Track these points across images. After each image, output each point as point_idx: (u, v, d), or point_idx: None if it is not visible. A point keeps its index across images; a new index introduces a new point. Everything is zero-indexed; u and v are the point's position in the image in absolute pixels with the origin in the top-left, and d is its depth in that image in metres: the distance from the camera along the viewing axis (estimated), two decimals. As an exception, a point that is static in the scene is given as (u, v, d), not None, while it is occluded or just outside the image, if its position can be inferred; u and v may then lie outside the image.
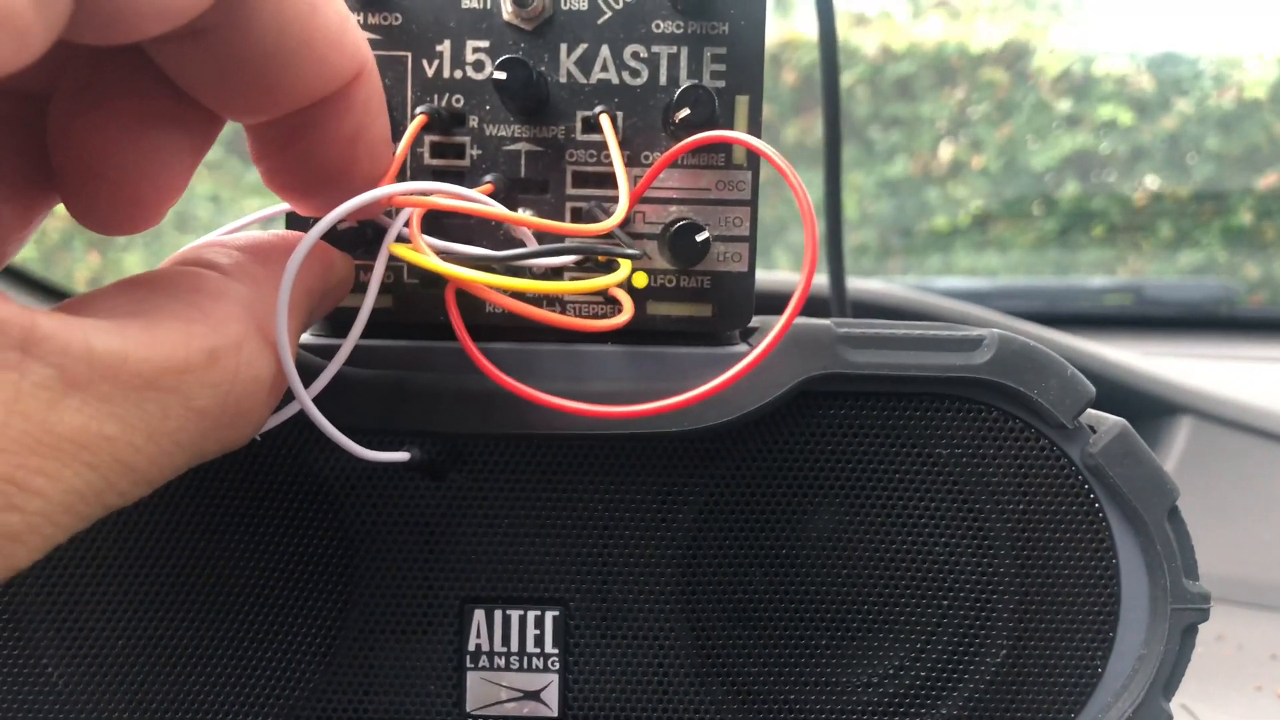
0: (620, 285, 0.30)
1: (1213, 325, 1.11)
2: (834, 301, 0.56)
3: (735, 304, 0.33)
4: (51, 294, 0.89)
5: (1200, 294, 1.13)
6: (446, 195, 0.29)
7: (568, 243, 0.31)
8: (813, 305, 0.62)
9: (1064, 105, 2.64)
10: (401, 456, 0.31)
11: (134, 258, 2.46)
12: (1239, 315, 1.11)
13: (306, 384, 0.27)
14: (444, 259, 0.28)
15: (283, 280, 0.24)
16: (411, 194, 0.28)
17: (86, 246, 2.36)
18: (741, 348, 0.33)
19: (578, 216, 0.33)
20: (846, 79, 2.75)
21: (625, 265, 0.29)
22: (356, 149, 0.26)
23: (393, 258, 0.28)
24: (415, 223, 0.28)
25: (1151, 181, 2.56)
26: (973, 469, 0.33)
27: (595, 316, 0.33)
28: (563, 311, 0.33)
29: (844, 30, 2.86)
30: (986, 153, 2.67)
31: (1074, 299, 1.14)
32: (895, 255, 2.35)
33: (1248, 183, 2.52)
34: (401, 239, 0.29)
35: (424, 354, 0.33)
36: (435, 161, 0.33)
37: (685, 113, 0.31)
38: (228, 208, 2.49)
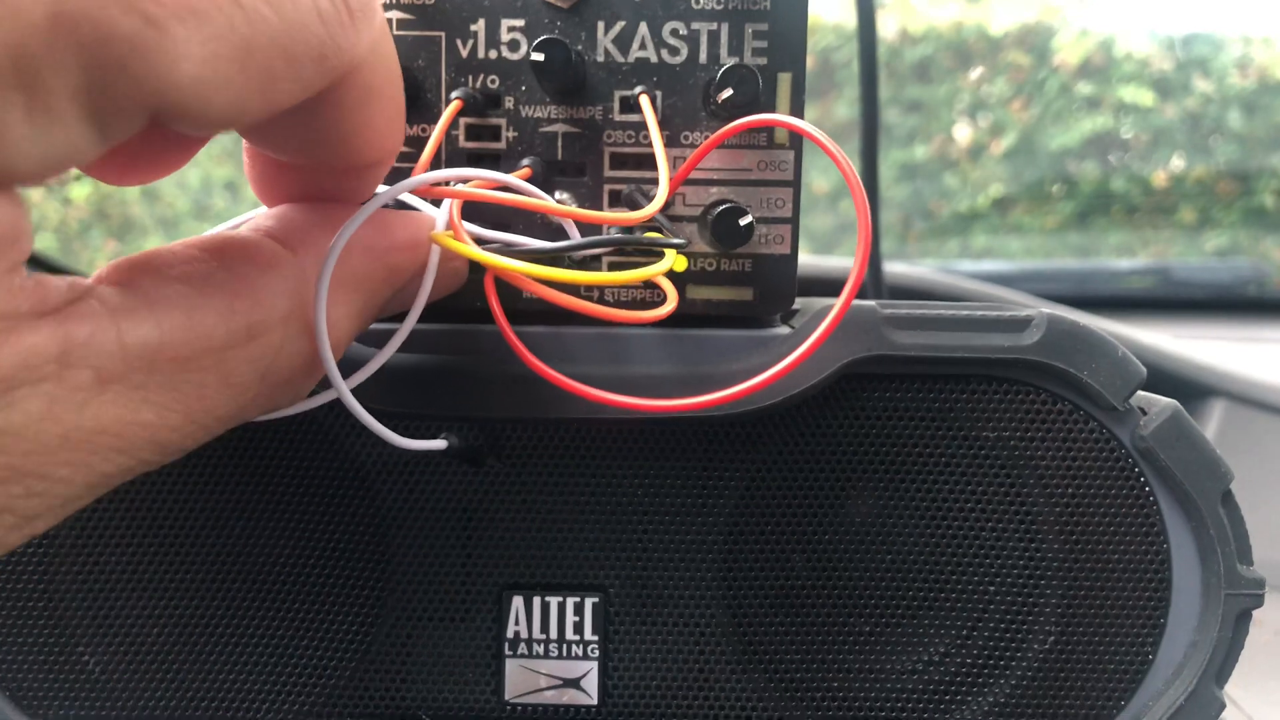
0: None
1: (1241, 307, 1.10)
2: (870, 285, 0.55)
3: (777, 287, 0.33)
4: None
5: (1228, 275, 1.12)
6: (488, 185, 0.28)
7: (611, 232, 0.31)
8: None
9: (1084, 87, 2.62)
10: (439, 445, 0.30)
11: (151, 244, 2.47)
12: (1268, 296, 1.09)
13: (347, 371, 0.26)
14: (485, 248, 0.27)
15: (325, 261, 0.24)
16: (455, 182, 0.28)
17: (104, 235, 2.37)
18: (782, 329, 0.33)
19: (616, 200, 0.33)
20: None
21: (669, 254, 0.29)
22: (362, 188, 0.26)
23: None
24: (455, 211, 0.27)
25: (1173, 163, 2.53)
26: (1020, 452, 0.32)
27: (634, 303, 0.33)
28: (600, 298, 0.33)
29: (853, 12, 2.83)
30: (1006, 135, 2.65)
31: (1101, 282, 1.13)
32: (916, 239, 2.33)
33: (1270, 163, 2.49)
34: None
35: (461, 338, 0.32)
36: (470, 144, 0.32)
37: (729, 93, 0.30)
38: (244, 194, 2.50)
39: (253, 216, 0.32)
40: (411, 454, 0.32)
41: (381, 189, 0.28)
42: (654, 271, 0.28)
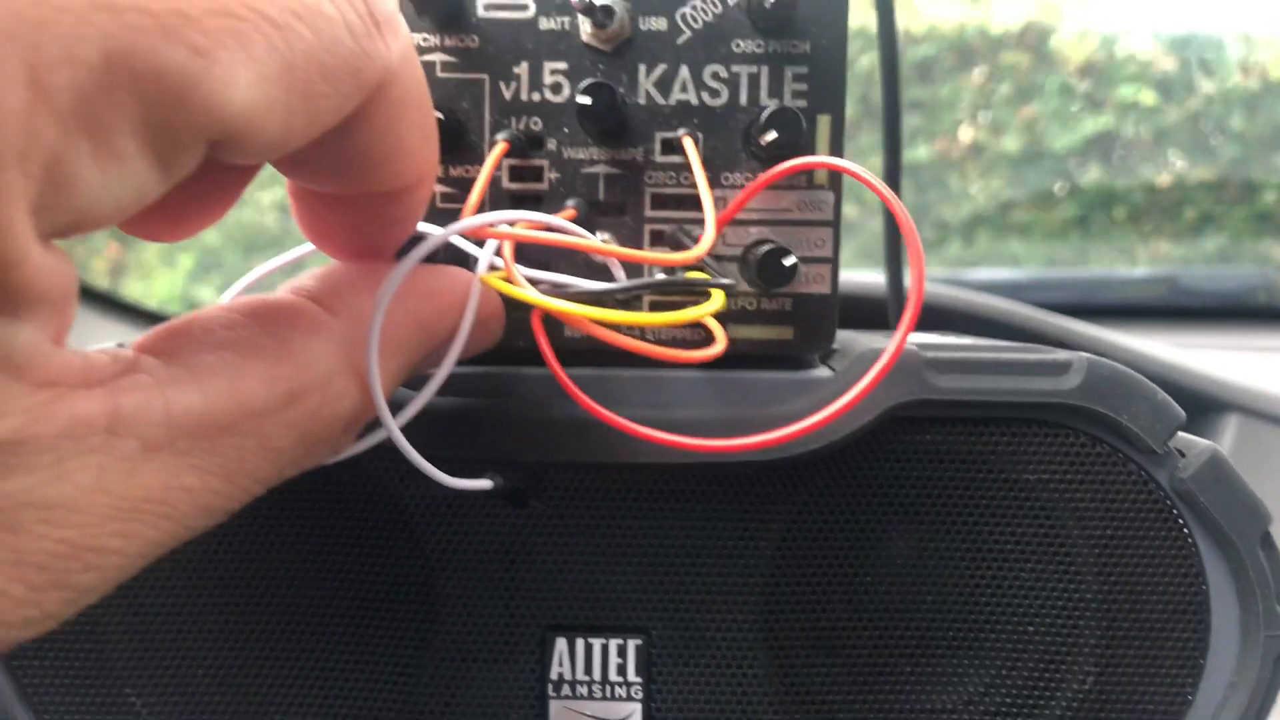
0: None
1: (1250, 315, 1.10)
2: (891, 306, 0.56)
3: (818, 327, 0.33)
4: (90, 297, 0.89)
5: (1236, 284, 1.12)
6: (537, 226, 0.29)
7: (654, 273, 0.31)
8: (866, 306, 0.62)
9: (1086, 87, 2.62)
10: (484, 484, 0.30)
11: (153, 249, 2.46)
12: (1277, 304, 1.09)
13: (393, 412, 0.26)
14: (537, 289, 0.27)
15: (373, 318, 0.24)
16: (502, 224, 0.28)
17: (106, 237, 2.36)
18: (822, 371, 0.33)
19: (657, 239, 0.33)
20: (865, 63, 2.73)
21: (718, 295, 0.29)
22: (385, 234, 0.26)
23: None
24: (509, 254, 0.28)
25: (1175, 164, 2.53)
26: (1059, 494, 0.32)
27: (674, 342, 0.33)
28: (641, 338, 0.33)
29: (863, 14, 2.84)
30: (1007, 136, 2.65)
31: (1107, 290, 1.13)
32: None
33: (1274, 163, 2.49)
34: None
35: (500, 381, 0.32)
36: (513, 186, 0.33)
37: (772, 136, 0.31)
38: (248, 198, 2.49)
39: (300, 253, 0.33)
40: (455, 495, 0.32)
41: (433, 230, 0.28)
42: (705, 312, 0.28)
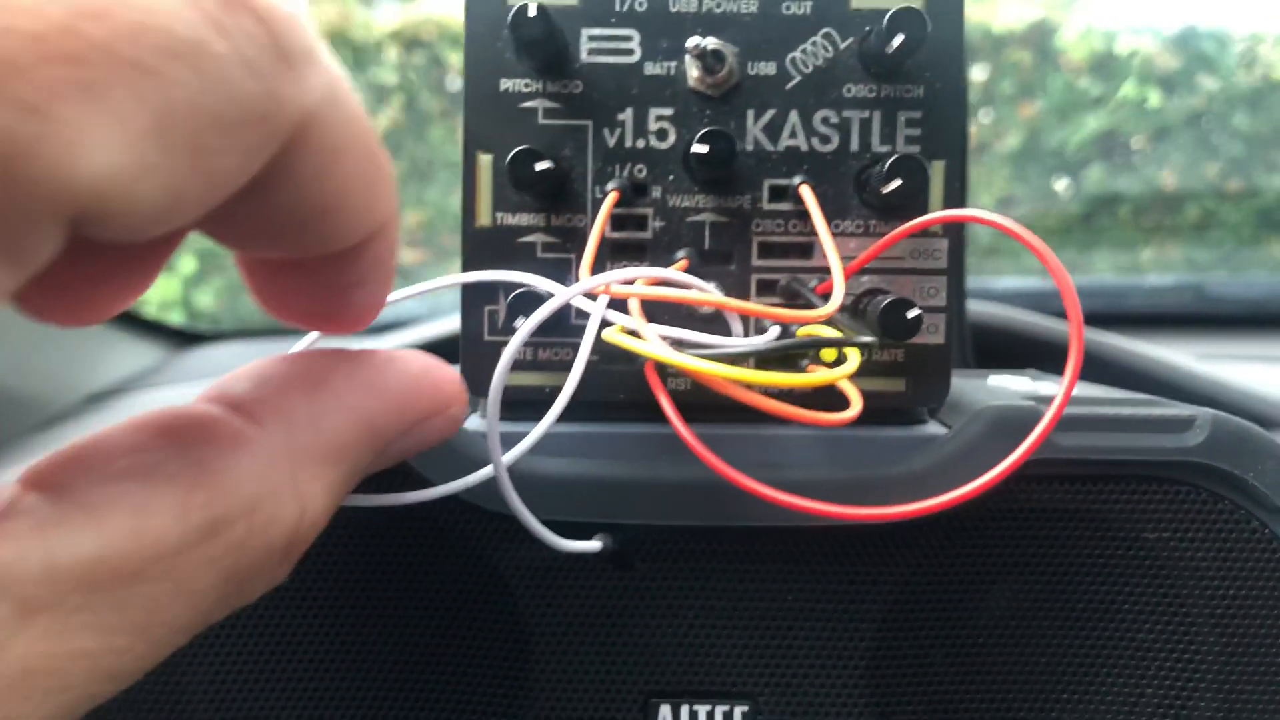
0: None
1: (1275, 323, 1.09)
2: (954, 337, 0.54)
3: (931, 379, 0.32)
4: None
5: (1262, 292, 1.12)
6: (660, 282, 0.27)
7: (797, 333, 0.30)
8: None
9: (1089, 85, 2.62)
10: (594, 546, 0.29)
11: (154, 248, 2.43)
12: (1304, 312, 1.09)
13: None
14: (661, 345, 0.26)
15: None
16: (620, 282, 0.27)
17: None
18: (936, 427, 0.32)
19: (764, 289, 0.32)
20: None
21: (855, 355, 0.28)
22: (351, 297, 0.21)
23: (602, 359, 0.27)
24: (638, 312, 0.26)
25: (1177, 163, 2.53)
26: (1180, 553, 0.31)
27: (783, 397, 0.32)
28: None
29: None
30: (1011, 134, 2.64)
31: (1132, 298, 1.13)
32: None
33: (1275, 163, 2.50)
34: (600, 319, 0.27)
35: (606, 440, 0.31)
36: (616, 235, 0.31)
37: (896, 184, 0.29)
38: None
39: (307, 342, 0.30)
40: (554, 558, 0.31)
41: (557, 289, 0.27)
42: (847, 373, 0.27)
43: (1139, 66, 2.63)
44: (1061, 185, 2.57)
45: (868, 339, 0.28)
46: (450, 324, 0.78)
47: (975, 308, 0.72)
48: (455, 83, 2.64)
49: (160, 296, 2.42)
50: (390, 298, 0.30)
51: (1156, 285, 1.14)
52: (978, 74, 2.71)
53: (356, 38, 2.59)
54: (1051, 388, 0.37)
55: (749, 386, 0.27)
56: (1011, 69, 2.69)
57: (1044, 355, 0.72)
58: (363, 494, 0.25)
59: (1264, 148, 2.54)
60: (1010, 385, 0.38)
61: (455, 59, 2.60)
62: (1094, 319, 1.14)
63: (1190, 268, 1.96)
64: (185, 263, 2.39)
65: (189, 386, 0.88)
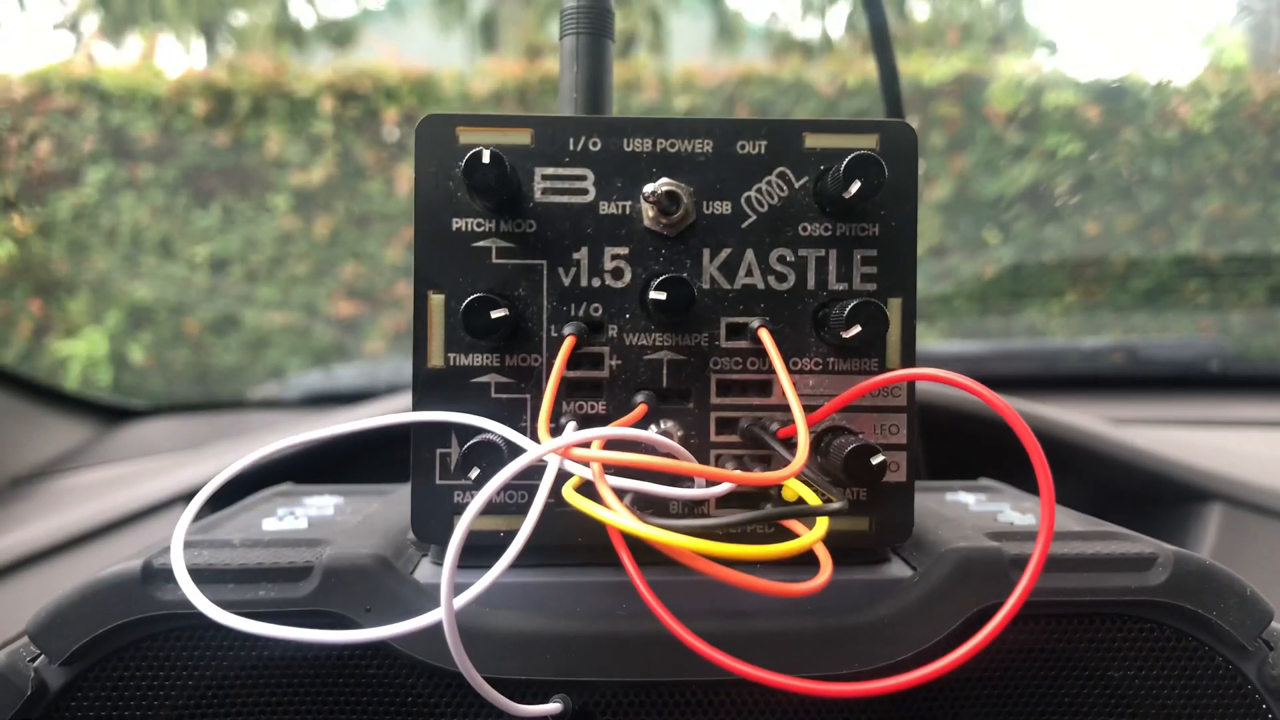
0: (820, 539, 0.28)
1: (1206, 384, 1.12)
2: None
3: (894, 517, 0.31)
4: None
5: (1191, 353, 1.14)
6: (622, 443, 0.27)
7: (768, 508, 0.29)
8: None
9: (1016, 137, 2.69)
10: (554, 709, 0.28)
11: (79, 304, 2.37)
12: (1231, 372, 1.11)
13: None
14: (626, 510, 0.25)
15: None
16: (593, 441, 0.26)
17: (28, 293, 2.27)
18: (900, 568, 0.31)
19: (724, 427, 0.31)
20: (800, 115, 2.77)
21: (823, 521, 0.27)
22: None
23: (558, 502, 0.26)
24: (600, 477, 0.26)
25: (1102, 211, 2.60)
26: (1145, 690, 0.31)
27: (745, 538, 0.31)
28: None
29: (796, 66, 2.88)
30: (939, 185, 2.70)
31: (1067, 360, 1.15)
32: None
33: (1193, 211, 2.58)
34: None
35: (565, 591, 0.30)
36: (572, 373, 0.30)
37: (857, 330, 0.29)
38: (177, 249, 2.41)
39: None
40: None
41: (531, 446, 0.26)
42: (815, 538, 0.27)
43: (1061, 120, 2.70)
44: (991, 234, 2.63)
45: (837, 505, 0.27)
46: (399, 402, 0.76)
47: (922, 388, 0.72)
48: (392, 134, 2.62)
49: (87, 353, 2.35)
50: (343, 429, 0.29)
51: (1093, 348, 1.16)
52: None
53: (292, 89, 2.57)
54: (1009, 512, 0.36)
55: (718, 559, 0.26)
56: (939, 122, 2.75)
57: (989, 437, 0.72)
58: (288, 627, 0.25)
59: (1180, 196, 2.62)
60: (970, 507, 0.38)
61: (391, 112, 2.59)
62: (1031, 382, 1.15)
63: (1115, 311, 2.00)
64: (113, 314, 2.34)
65: (122, 466, 0.84)
